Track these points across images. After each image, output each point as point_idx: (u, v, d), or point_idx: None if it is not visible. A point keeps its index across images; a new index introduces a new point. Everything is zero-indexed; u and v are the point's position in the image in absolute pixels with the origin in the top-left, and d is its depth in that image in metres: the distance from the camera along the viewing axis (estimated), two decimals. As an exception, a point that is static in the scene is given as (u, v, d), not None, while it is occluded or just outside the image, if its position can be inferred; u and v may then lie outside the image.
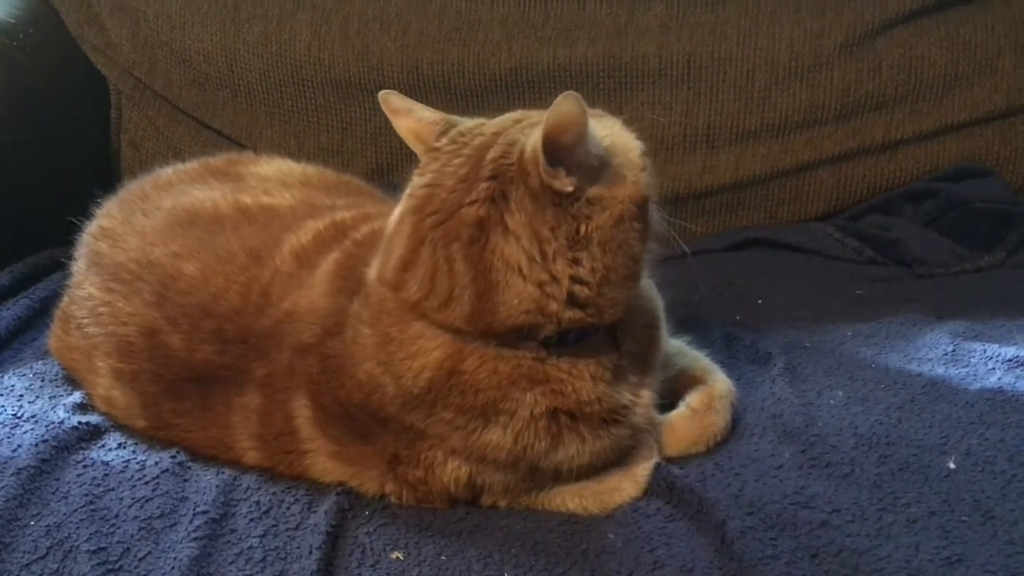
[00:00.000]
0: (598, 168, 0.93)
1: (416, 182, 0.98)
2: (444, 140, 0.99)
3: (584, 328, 0.96)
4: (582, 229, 0.92)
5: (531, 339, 0.95)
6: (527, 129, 0.96)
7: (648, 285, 1.10)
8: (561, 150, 0.90)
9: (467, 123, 1.00)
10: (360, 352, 1.00)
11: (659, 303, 1.12)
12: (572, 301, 0.93)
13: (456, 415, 0.97)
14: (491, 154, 0.94)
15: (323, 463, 1.05)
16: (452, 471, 0.99)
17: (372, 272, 1.01)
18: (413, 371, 0.96)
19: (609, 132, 0.97)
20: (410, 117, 1.02)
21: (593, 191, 0.93)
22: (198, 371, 1.08)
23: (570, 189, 0.91)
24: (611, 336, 1.01)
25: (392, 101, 1.02)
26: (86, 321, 1.17)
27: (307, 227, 1.14)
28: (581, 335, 0.97)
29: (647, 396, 1.04)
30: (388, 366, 0.98)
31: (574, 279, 0.93)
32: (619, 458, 1.03)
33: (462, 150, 0.97)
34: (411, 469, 1.00)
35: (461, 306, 0.93)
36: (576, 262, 0.92)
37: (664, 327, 1.12)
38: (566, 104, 0.87)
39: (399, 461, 1.01)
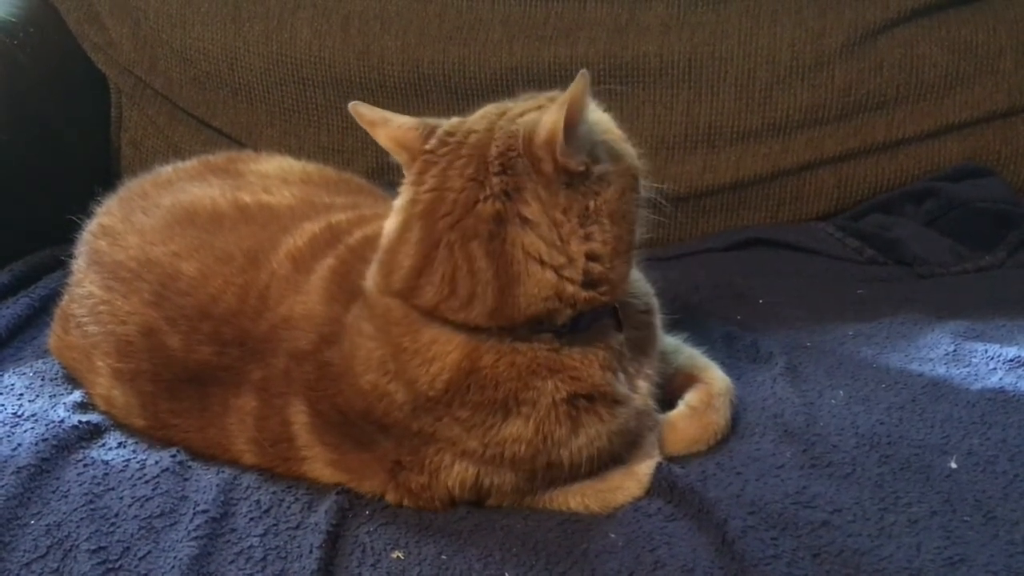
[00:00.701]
0: (593, 145, 0.96)
1: (416, 189, 0.97)
2: (433, 143, 0.98)
3: (596, 309, 0.97)
4: (591, 205, 0.94)
5: (547, 329, 0.96)
6: (518, 119, 0.96)
7: (638, 275, 1.10)
8: (571, 130, 0.91)
9: (448, 123, 0.99)
10: (362, 365, 0.99)
11: (652, 291, 1.12)
12: (587, 281, 0.94)
13: (474, 412, 0.96)
14: (495, 149, 0.94)
15: (320, 470, 1.05)
16: (459, 474, 0.99)
17: (370, 284, 1.00)
18: (430, 375, 0.96)
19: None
20: (387, 126, 1.00)
21: (599, 168, 0.95)
22: (196, 372, 1.08)
23: (583, 168, 0.93)
24: (614, 320, 1.02)
25: (364, 113, 1.00)
26: (86, 320, 1.17)
27: (304, 229, 1.14)
28: (593, 318, 0.98)
29: (644, 387, 1.05)
30: (399, 375, 0.97)
31: (588, 256, 0.94)
32: (627, 447, 1.03)
33: (460, 150, 0.96)
34: (414, 475, 1.00)
35: (484, 303, 0.93)
36: (588, 237, 0.94)
37: (658, 318, 1.12)
38: (579, 84, 0.89)
39: (401, 467, 1.00)
